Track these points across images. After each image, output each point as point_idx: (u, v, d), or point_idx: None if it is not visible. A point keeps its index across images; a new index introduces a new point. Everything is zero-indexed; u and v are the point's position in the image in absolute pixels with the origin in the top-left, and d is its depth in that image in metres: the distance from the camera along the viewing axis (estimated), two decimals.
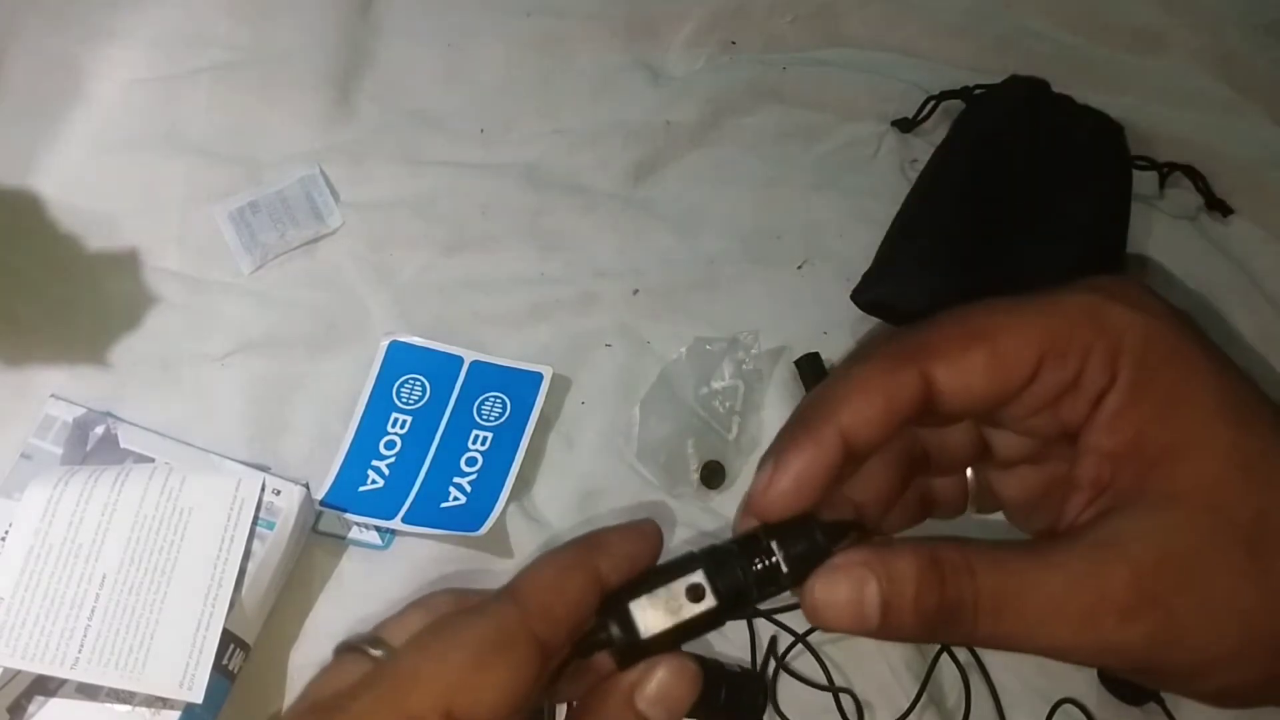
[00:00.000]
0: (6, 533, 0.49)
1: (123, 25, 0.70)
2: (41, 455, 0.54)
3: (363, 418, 0.58)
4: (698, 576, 0.30)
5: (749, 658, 0.52)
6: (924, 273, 0.61)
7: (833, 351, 0.60)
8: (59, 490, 0.50)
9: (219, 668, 0.48)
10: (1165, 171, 0.66)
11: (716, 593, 0.30)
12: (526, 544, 0.55)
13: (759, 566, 0.30)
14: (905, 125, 0.69)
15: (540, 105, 0.70)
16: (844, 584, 0.27)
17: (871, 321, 0.62)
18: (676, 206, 0.66)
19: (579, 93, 0.71)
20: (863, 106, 0.70)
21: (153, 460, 0.55)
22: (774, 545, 0.30)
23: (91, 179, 0.65)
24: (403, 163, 0.67)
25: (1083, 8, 0.74)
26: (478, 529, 0.53)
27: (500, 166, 0.67)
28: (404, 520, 0.54)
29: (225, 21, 0.71)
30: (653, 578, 0.30)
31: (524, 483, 0.56)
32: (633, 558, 0.30)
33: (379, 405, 0.58)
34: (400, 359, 0.59)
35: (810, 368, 0.59)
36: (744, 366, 0.59)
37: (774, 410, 0.59)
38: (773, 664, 0.52)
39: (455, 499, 0.55)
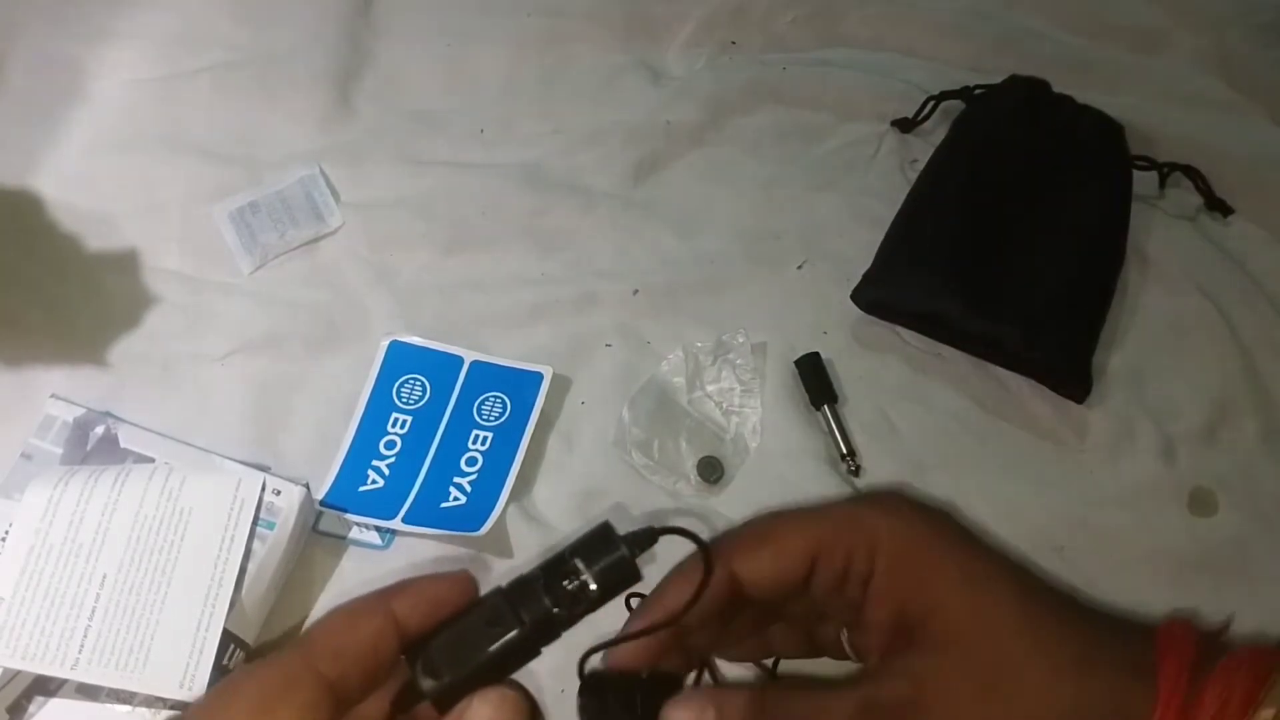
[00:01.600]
0: (6, 533, 0.49)
1: (123, 25, 0.70)
2: (41, 455, 0.54)
3: (363, 418, 0.58)
4: (500, 607, 0.30)
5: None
6: (924, 273, 0.61)
7: (833, 351, 0.61)
8: (59, 490, 0.50)
9: (219, 668, 0.48)
10: (1165, 171, 0.66)
11: (520, 620, 0.30)
12: (526, 544, 0.55)
13: (570, 586, 0.30)
14: (905, 125, 0.69)
15: (540, 105, 0.70)
16: (690, 709, 0.33)
17: (872, 321, 0.62)
18: (676, 206, 0.66)
19: (579, 93, 0.71)
20: (863, 106, 0.70)
21: (153, 460, 0.55)
22: (580, 564, 0.31)
23: (91, 179, 0.65)
24: (403, 163, 0.67)
25: (1083, 8, 0.74)
26: (478, 529, 0.53)
27: (500, 166, 0.67)
28: (404, 520, 0.54)
29: (225, 21, 0.71)
30: (459, 618, 0.31)
31: (524, 483, 0.56)
32: (436, 601, 0.31)
33: (379, 405, 0.58)
34: (400, 359, 0.59)
35: (810, 368, 0.59)
36: (737, 365, 0.59)
37: (774, 410, 0.59)
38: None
39: (455, 499, 0.55)
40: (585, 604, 0.31)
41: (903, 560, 0.35)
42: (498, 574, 0.54)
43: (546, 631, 0.31)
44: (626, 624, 0.36)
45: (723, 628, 0.38)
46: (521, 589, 0.31)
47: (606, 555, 0.31)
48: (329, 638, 0.30)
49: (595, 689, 0.34)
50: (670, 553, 0.35)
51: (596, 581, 0.31)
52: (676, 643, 0.36)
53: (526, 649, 0.31)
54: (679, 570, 0.36)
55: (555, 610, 0.30)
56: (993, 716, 0.33)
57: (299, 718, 0.28)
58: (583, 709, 0.34)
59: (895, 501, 0.37)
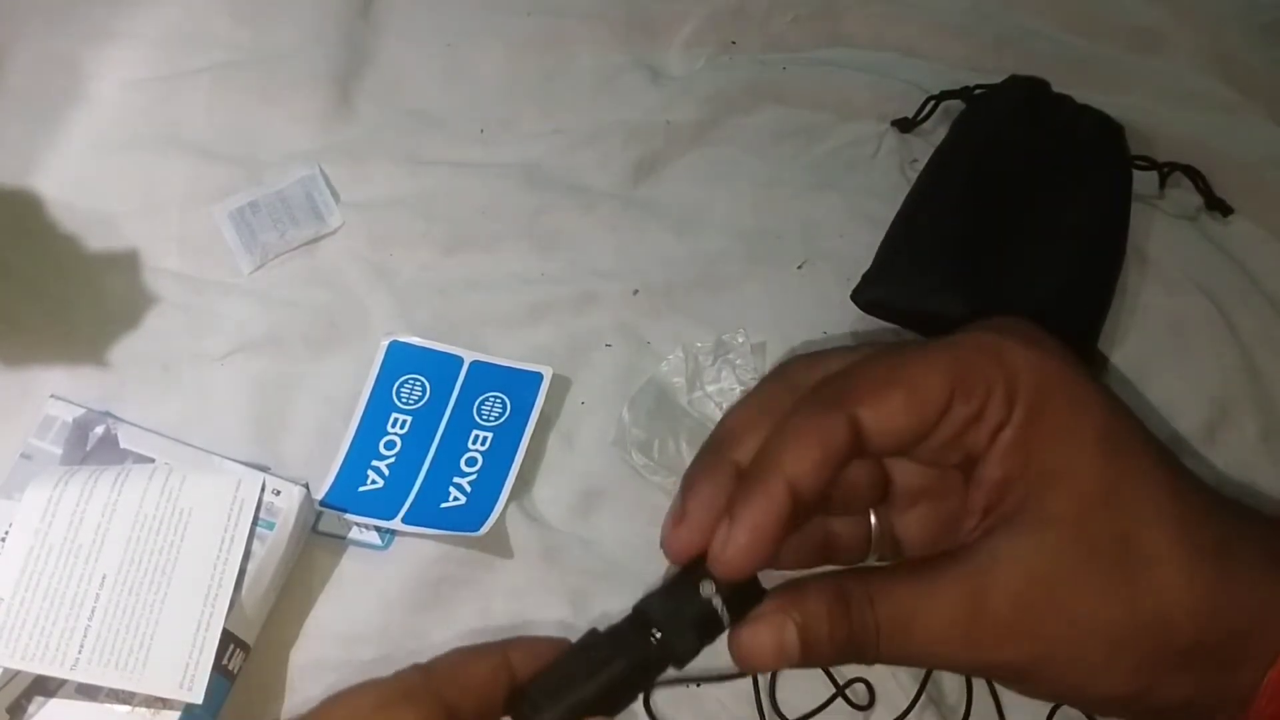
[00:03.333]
0: (6, 533, 0.49)
1: (123, 25, 0.70)
2: (41, 455, 0.54)
3: (363, 418, 0.58)
4: (601, 647, 0.31)
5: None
6: (924, 273, 0.61)
7: None
8: (59, 490, 0.50)
9: (219, 668, 0.48)
10: (1165, 171, 0.66)
11: (621, 657, 0.30)
12: (526, 544, 0.55)
13: (658, 633, 0.30)
14: (905, 125, 0.69)
15: (540, 105, 0.70)
16: (766, 631, 0.29)
17: (872, 321, 0.62)
18: (676, 206, 0.66)
19: (579, 93, 0.71)
20: (863, 106, 0.70)
21: (153, 460, 0.55)
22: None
23: (91, 179, 0.65)
24: (403, 163, 0.67)
25: (1083, 8, 0.74)
26: (478, 529, 0.53)
27: (500, 166, 0.67)
28: (404, 520, 0.54)
29: (225, 21, 0.71)
30: (559, 661, 0.31)
31: (524, 483, 0.56)
32: (545, 657, 0.31)
33: (379, 405, 0.58)
34: (400, 359, 0.59)
35: None
36: (737, 365, 0.59)
37: None
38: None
39: (455, 499, 0.55)
40: (677, 653, 0.30)
41: (1044, 407, 0.30)
42: (499, 573, 0.54)
43: (645, 670, 0.30)
44: (739, 504, 0.29)
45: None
46: (620, 631, 0.31)
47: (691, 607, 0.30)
48: (449, 667, 0.31)
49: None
50: None
51: (689, 631, 0.30)
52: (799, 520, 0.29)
53: (628, 687, 0.31)
54: (795, 420, 0.30)
55: (652, 653, 0.30)
56: (1118, 614, 0.28)
57: None
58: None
59: (1034, 332, 0.31)
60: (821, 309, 0.62)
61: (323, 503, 0.55)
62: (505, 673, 0.31)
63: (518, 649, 0.31)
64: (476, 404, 0.58)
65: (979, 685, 0.51)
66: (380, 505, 0.55)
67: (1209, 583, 0.28)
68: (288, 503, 0.52)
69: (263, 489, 0.52)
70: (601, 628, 0.31)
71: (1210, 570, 0.29)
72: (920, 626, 0.29)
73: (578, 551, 0.55)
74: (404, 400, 0.58)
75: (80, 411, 0.56)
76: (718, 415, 0.58)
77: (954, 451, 0.31)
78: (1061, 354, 0.31)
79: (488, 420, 0.57)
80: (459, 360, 0.59)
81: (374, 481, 0.56)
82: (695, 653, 0.30)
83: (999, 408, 0.30)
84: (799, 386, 0.31)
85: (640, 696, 0.32)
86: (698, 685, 0.51)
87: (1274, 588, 0.29)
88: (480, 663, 0.31)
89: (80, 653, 0.46)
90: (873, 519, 0.34)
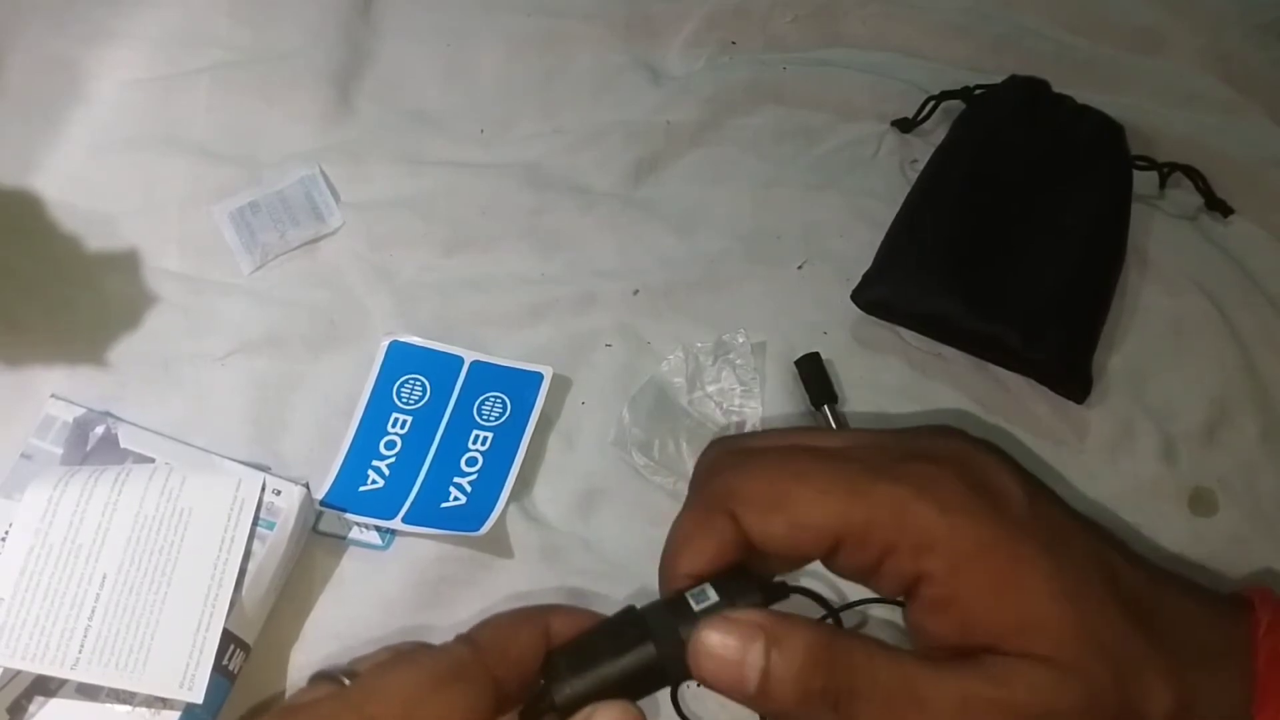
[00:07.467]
0: (6, 533, 0.49)
1: (123, 25, 0.70)
2: (41, 455, 0.54)
3: (363, 418, 0.58)
4: (635, 626, 0.30)
5: None
6: (924, 273, 0.61)
7: (833, 352, 0.61)
8: (59, 490, 0.50)
9: (219, 668, 0.48)
10: (1165, 171, 0.66)
11: (653, 641, 0.30)
12: (526, 544, 0.55)
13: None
14: (905, 125, 0.69)
15: (540, 105, 0.70)
16: (730, 636, 0.29)
17: (872, 321, 0.62)
18: (676, 206, 0.66)
19: (579, 93, 0.71)
20: (863, 106, 0.70)
21: (153, 460, 0.55)
22: (715, 595, 0.31)
23: (91, 179, 0.65)
24: (403, 163, 0.67)
25: (1083, 8, 0.74)
26: (478, 529, 0.53)
27: (500, 166, 0.67)
28: (404, 520, 0.54)
29: (225, 21, 0.71)
30: (593, 635, 0.31)
31: (524, 483, 0.56)
32: (581, 626, 0.32)
33: (379, 405, 0.58)
34: (400, 359, 0.59)
35: (810, 368, 0.59)
36: (737, 365, 0.59)
37: (774, 410, 0.59)
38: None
39: (455, 499, 0.55)
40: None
41: (968, 568, 0.30)
42: (499, 573, 0.54)
43: (676, 655, 0.30)
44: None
45: None
46: (656, 611, 0.31)
47: (741, 594, 0.30)
48: (494, 639, 0.31)
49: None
50: None
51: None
52: None
53: (654, 669, 0.30)
54: (685, 524, 0.32)
55: (686, 642, 0.30)
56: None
57: (466, 700, 0.29)
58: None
59: (950, 489, 0.31)
60: (821, 309, 0.62)
61: (323, 502, 0.55)
62: (544, 640, 0.31)
63: (558, 617, 0.32)
64: (477, 404, 0.58)
65: None
66: (380, 505, 0.55)
67: (1188, 687, 0.30)
68: (288, 502, 0.52)
69: (263, 489, 0.52)
70: (639, 605, 0.31)
71: (1183, 678, 0.30)
72: (928, 707, 0.28)
73: (578, 551, 0.55)
74: (404, 400, 0.58)
75: (80, 411, 0.56)
76: (718, 415, 0.59)
77: (857, 579, 0.32)
78: (983, 511, 0.30)
79: (488, 420, 0.57)
80: (459, 360, 0.59)
81: (374, 481, 0.56)
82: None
83: (903, 565, 0.30)
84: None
85: (669, 687, 0.31)
86: (699, 685, 0.51)
87: (1219, 665, 0.30)
88: (524, 633, 0.31)
89: (80, 653, 0.46)
90: None
